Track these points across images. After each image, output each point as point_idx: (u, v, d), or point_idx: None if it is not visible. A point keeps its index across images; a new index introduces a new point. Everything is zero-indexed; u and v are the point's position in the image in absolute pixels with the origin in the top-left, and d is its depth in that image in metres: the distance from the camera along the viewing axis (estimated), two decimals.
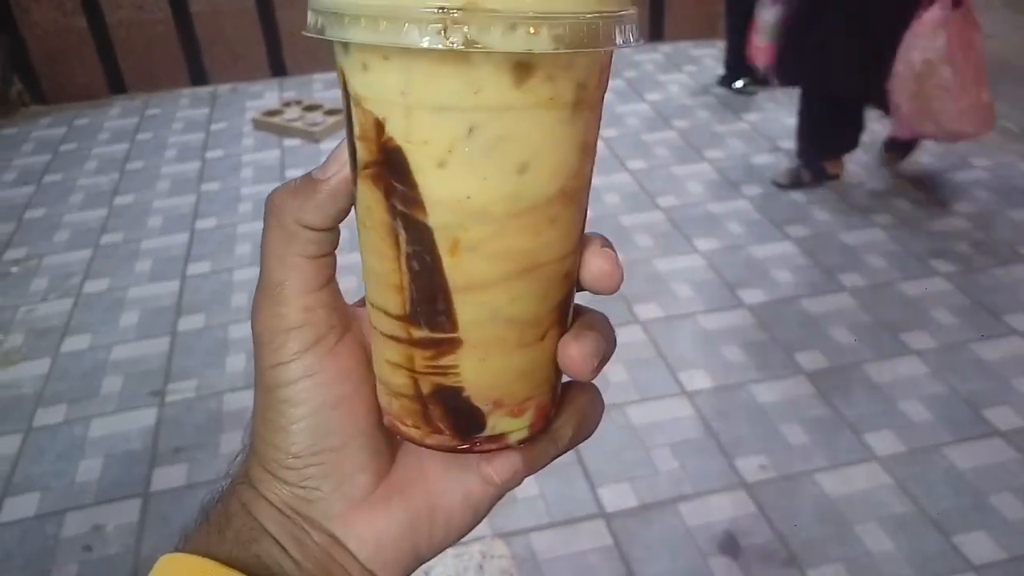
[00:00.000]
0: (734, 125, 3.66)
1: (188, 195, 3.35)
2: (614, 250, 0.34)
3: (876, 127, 3.25)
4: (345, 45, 0.29)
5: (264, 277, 0.34)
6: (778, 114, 3.72)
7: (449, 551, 1.63)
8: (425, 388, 0.33)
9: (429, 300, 0.31)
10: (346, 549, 0.35)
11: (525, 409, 0.34)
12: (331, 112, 3.82)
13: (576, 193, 0.32)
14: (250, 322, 0.35)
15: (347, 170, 0.32)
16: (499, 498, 0.38)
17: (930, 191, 3.11)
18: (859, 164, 3.27)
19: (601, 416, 0.38)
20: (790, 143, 3.44)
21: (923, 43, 2.63)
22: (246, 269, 2.84)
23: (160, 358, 2.45)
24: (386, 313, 0.33)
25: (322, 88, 4.27)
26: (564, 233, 0.32)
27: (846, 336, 2.39)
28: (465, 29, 0.26)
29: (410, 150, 0.29)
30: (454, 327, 0.32)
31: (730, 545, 1.82)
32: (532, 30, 0.26)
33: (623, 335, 2.42)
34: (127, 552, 1.87)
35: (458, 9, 0.26)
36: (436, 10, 0.26)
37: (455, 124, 0.28)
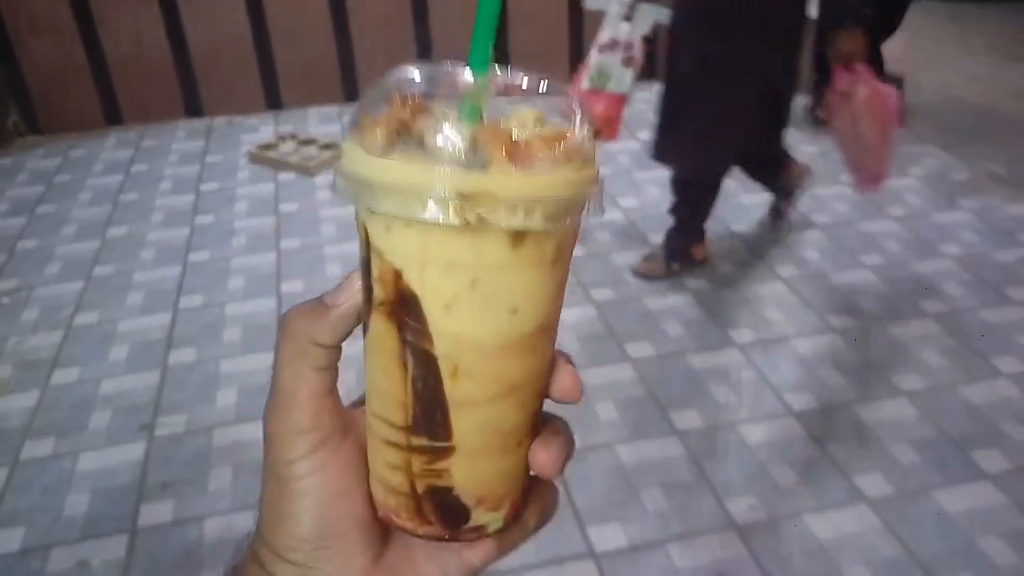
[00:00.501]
0: None
1: (182, 227, 3.36)
2: (574, 365, 0.41)
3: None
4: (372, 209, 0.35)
5: (277, 384, 0.39)
6: None
7: None
8: (420, 487, 0.39)
9: (429, 414, 0.37)
10: None
11: (502, 504, 0.40)
12: (326, 147, 3.85)
13: (552, 326, 0.39)
14: (263, 421, 0.40)
15: (357, 299, 0.38)
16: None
17: (917, 233, 3.15)
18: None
19: (558, 504, 0.44)
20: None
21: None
22: (239, 303, 2.84)
23: (150, 391, 2.44)
24: (389, 423, 0.38)
25: (317, 122, 4.30)
26: (541, 358, 0.39)
27: (836, 377, 2.41)
28: (477, 210, 0.33)
29: (423, 295, 0.35)
30: (449, 437, 0.38)
31: None
32: (527, 212, 0.33)
33: (614, 373, 2.44)
34: None
35: (472, 195, 0.33)
36: (455, 195, 0.33)
37: (461, 278, 0.35)
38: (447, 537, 0.40)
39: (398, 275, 0.35)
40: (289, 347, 0.39)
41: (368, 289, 0.37)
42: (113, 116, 4.34)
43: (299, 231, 3.28)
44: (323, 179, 3.66)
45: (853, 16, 2.44)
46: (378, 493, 0.40)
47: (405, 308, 0.35)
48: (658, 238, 3.12)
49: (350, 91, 4.47)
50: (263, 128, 4.26)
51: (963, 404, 2.30)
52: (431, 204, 0.33)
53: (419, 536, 0.40)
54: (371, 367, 0.38)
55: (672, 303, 2.76)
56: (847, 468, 2.10)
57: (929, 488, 2.03)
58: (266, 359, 2.54)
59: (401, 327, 0.36)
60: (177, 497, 2.08)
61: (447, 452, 0.38)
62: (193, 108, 4.40)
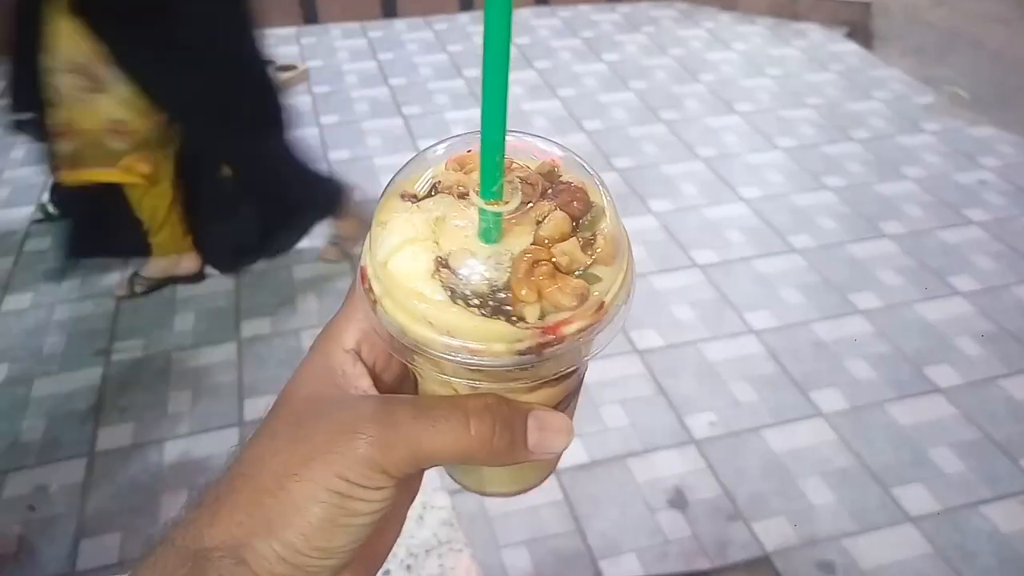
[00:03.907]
0: (692, 87, 3.65)
1: None
2: None
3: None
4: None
5: (417, 452, 0.35)
6: (735, 75, 3.73)
7: None
8: None
9: None
10: None
11: None
12: (284, 68, 3.73)
13: None
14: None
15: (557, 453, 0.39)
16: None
17: (880, 155, 3.15)
18: None
19: None
20: (745, 104, 3.46)
21: None
22: None
23: (105, 317, 2.40)
24: None
25: (275, 43, 4.15)
26: None
27: (796, 296, 2.43)
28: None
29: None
30: None
31: (678, 499, 1.85)
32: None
33: None
34: (72, 512, 1.84)
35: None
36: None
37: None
38: None
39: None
40: (457, 450, 0.36)
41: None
42: None
43: None
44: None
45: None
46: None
47: None
48: (621, 162, 3.10)
49: (308, 12, 4.32)
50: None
51: (918, 321, 2.34)
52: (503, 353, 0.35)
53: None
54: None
55: (635, 225, 2.75)
56: (804, 384, 2.13)
57: (883, 402, 2.08)
58: (223, 283, 2.51)
59: None
60: (136, 421, 2.06)
61: None
62: None
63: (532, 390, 0.37)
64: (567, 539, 1.77)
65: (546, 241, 0.35)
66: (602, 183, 0.38)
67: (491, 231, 0.34)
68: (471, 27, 4.30)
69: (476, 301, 0.33)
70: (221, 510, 0.36)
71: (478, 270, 0.34)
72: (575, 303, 0.34)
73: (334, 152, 3.19)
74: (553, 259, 0.34)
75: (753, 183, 2.97)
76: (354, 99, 3.61)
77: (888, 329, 2.30)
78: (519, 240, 0.34)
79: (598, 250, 0.36)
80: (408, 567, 0.78)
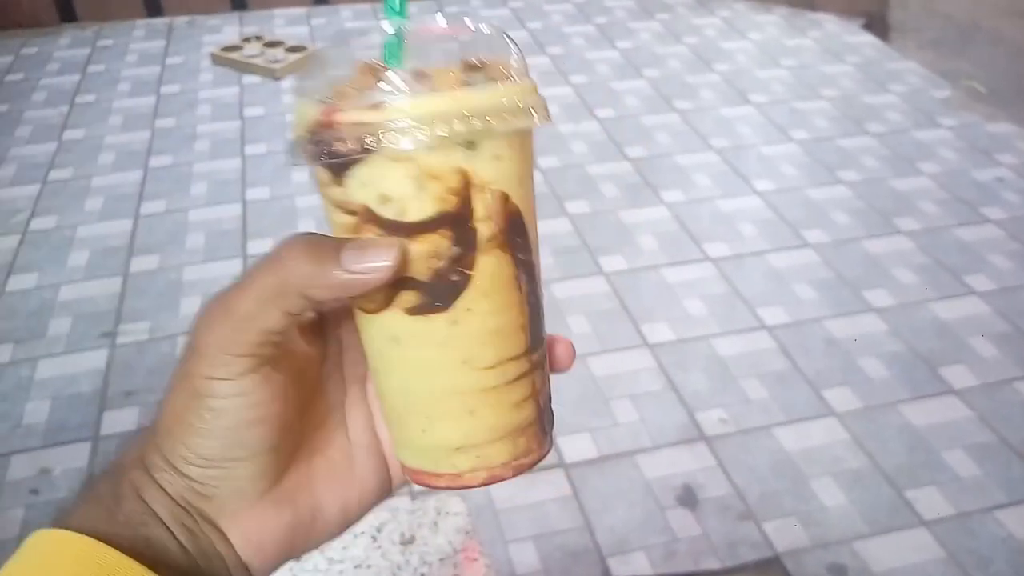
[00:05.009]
0: (706, 76, 3.61)
1: (142, 131, 3.22)
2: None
3: None
4: (472, 145, 0.35)
5: (235, 303, 0.35)
6: (749, 65, 3.68)
7: (404, 506, 1.62)
8: (543, 403, 0.40)
9: (538, 323, 0.39)
10: (229, 543, 0.38)
11: None
12: (293, 49, 3.69)
13: None
14: (194, 325, 0.36)
15: (378, 276, 0.34)
16: (370, 511, 0.43)
17: (896, 149, 3.11)
18: None
19: None
20: (759, 95, 3.42)
21: None
22: (202, 209, 2.76)
23: (111, 299, 2.38)
24: (511, 359, 0.38)
25: (284, 24, 4.12)
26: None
27: (809, 292, 2.40)
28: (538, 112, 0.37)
29: (524, 207, 0.37)
30: (544, 336, 0.40)
31: (688, 497, 1.83)
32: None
33: (587, 286, 2.41)
34: (75, 495, 1.82)
35: (534, 95, 0.37)
36: (532, 100, 0.36)
37: (530, 173, 0.38)
38: (550, 447, 0.42)
39: (505, 199, 0.35)
40: (272, 280, 0.34)
41: (465, 237, 0.35)
42: (67, 12, 4.12)
43: (264, 136, 3.17)
44: (289, 83, 3.53)
45: None
46: (499, 455, 0.39)
47: (514, 229, 0.36)
48: (634, 151, 3.06)
49: None
50: (227, 29, 4.08)
51: (933, 320, 2.31)
52: (531, 112, 0.35)
53: (540, 461, 0.41)
54: (479, 318, 0.36)
55: (647, 216, 2.72)
56: (816, 382, 2.10)
57: (897, 402, 2.05)
58: (230, 267, 2.48)
59: (514, 251, 0.36)
60: (141, 405, 2.04)
61: (545, 350, 0.40)
62: (153, 6, 4.19)
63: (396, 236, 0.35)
64: (575, 535, 1.75)
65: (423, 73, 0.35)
66: (519, 52, 0.38)
67: (394, 51, 0.35)
68: (484, 11, 4.25)
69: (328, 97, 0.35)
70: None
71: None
72: (363, 99, 0.34)
73: None
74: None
75: (767, 175, 2.93)
76: None
77: (902, 328, 2.27)
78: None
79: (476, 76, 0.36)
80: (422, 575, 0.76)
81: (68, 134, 3.21)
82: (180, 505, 0.37)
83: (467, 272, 0.35)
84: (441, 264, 0.35)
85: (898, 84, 3.57)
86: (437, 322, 0.35)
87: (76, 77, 3.64)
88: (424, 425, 0.38)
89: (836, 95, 3.46)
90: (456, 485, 0.39)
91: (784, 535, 1.74)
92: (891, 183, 2.91)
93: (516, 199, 0.36)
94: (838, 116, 3.31)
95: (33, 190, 2.86)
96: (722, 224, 2.69)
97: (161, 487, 0.37)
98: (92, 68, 3.73)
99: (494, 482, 0.39)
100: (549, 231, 2.63)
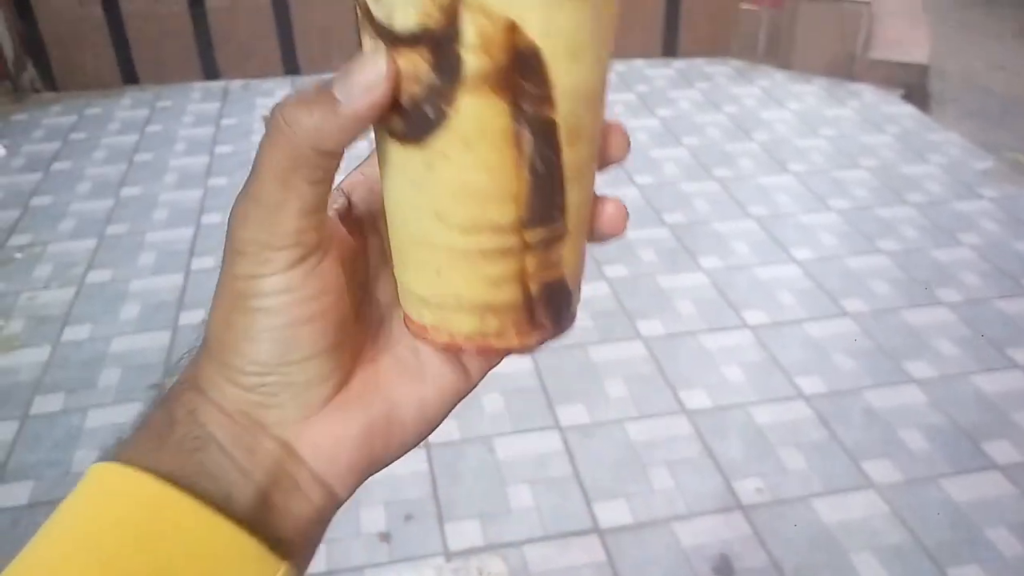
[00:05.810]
0: (745, 145, 3.66)
1: (195, 189, 3.35)
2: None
3: None
4: None
5: (258, 191, 0.33)
6: (788, 135, 3.73)
7: (447, 565, 1.64)
8: (535, 290, 0.34)
9: (547, 198, 0.32)
10: (299, 457, 0.35)
11: (582, 285, 0.38)
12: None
13: None
14: (228, 227, 0.34)
15: (378, 94, 0.30)
16: (452, 408, 0.39)
17: (936, 220, 3.11)
18: None
19: None
20: (798, 164, 3.45)
21: None
22: None
23: (160, 352, 2.45)
24: (492, 229, 0.32)
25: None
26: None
27: (848, 362, 2.39)
28: None
29: (547, 46, 0.29)
30: (564, 217, 0.33)
31: (724, 567, 1.81)
32: None
33: (625, 350, 2.43)
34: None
35: None
36: None
37: (588, 11, 0.30)
38: (555, 336, 0.36)
39: (512, 29, 0.29)
40: (283, 151, 0.31)
41: (449, 67, 0.30)
42: (129, 75, 4.32)
43: None
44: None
45: None
46: (462, 325, 0.35)
47: (522, 70, 0.29)
48: (672, 217, 3.10)
49: (288, 64, 4.42)
50: (279, 92, 4.23)
51: (975, 393, 2.28)
52: None
53: (524, 350, 0.36)
54: (455, 169, 0.31)
55: (685, 282, 2.74)
56: (855, 453, 2.09)
57: (938, 476, 2.02)
58: None
59: (517, 97, 0.30)
60: None
61: (562, 237, 0.34)
62: (210, 70, 4.37)
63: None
64: None
65: None
66: None
67: None
68: None
69: None
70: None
71: None
72: None
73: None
74: None
75: (805, 244, 2.95)
76: None
77: (943, 400, 2.25)
78: None
79: None
80: None
81: (125, 191, 3.34)
82: (237, 422, 0.34)
83: (444, 108, 0.30)
84: (417, 90, 0.30)
85: (938, 155, 3.58)
86: (414, 159, 0.32)
87: (135, 137, 3.80)
88: (400, 266, 0.36)
89: (875, 165, 3.49)
90: (423, 337, 0.36)
91: None
92: (931, 253, 2.91)
93: (536, 34, 0.29)
94: (877, 186, 3.32)
95: (91, 244, 2.98)
96: (760, 291, 2.70)
97: (217, 404, 0.34)
98: (150, 128, 3.89)
99: (455, 351, 0.36)
100: (587, 294, 2.65)
